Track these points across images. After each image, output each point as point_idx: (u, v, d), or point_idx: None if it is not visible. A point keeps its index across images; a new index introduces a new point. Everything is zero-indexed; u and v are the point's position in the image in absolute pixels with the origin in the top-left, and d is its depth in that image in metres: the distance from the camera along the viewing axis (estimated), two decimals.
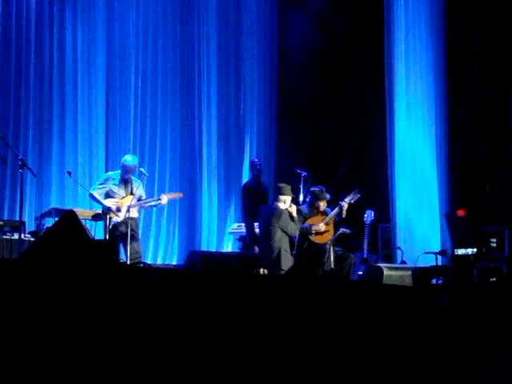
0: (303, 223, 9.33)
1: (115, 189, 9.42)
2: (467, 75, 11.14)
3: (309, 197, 9.62)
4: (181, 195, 10.14)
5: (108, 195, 9.40)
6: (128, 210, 9.19)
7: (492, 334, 5.03)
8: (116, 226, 9.25)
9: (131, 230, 9.09)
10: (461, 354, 4.91)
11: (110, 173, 9.81)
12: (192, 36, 12.53)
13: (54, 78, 11.52)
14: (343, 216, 9.36)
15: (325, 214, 9.44)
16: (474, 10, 11.08)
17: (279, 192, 9.22)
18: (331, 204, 9.60)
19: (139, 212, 9.69)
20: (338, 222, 9.39)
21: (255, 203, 10.25)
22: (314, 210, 9.46)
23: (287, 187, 9.28)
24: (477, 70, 11.05)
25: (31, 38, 11.35)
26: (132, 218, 9.25)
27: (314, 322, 4.68)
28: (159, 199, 9.53)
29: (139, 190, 9.54)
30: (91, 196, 9.42)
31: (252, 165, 10.90)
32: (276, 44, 12.89)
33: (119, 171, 9.57)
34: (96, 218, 9.43)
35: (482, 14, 11.00)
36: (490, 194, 10.81)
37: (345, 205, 9.32)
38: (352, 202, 9.40)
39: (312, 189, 9.58)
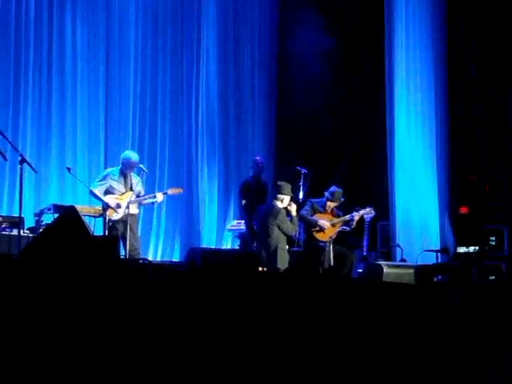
0: (312, 216, 9.35)
1: (115, 185, 9.41)
2: (467, 75, 11.14)
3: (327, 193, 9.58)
4: (181, 191, 10.10)
5: (108, 191, 9.38)
6: (128, 207, 9.18)
7: (492, 333, 5.02)
8: (115, 222, 9.24)
9: (130, 226, 9.09)
10: (462, 353, 4.90)
11: (109, 169, 9.77)
12: (192, 34, 12.51)
13: (53, 73, 11.49)
14: (352, 226, 9.36)
15: (336, 216, 9.45)
16: (474, 10, 11.07)
17: (278, 190, 9.18)
18: (342, 207, 9.58)
19: (139, 208, 9.68)
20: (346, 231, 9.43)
21: (253, 201, 10.24)
22: (326, 208, 9.48)
23: (287, 186, 9.23)
24: (477, 70, 11.05)
25: (30, 33, 11.30)
26: (132, 215, 9.24)
27: (314, 321, 4.66)
28: (155, 196, 9.53)
29: (138, 186, 9.51)
30: (92, 193, 9.40)
31: (254, 163, 11.01)
32: (276, 39, 12.90)
33: (118, 167, 9.55)
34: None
35: (482, 13, 10.99)
36: (490, 193, 10.80)
37: (356, 217, 9.31)
38: (364, 216, 9.39)
39: (331, 188, 9.54)
